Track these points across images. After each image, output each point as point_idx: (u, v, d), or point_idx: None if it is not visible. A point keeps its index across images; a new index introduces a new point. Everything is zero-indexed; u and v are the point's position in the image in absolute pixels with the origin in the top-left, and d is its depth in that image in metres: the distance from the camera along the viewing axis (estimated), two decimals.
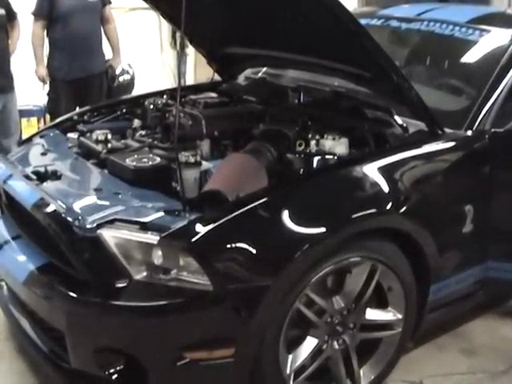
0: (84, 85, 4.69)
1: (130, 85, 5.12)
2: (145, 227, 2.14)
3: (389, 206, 2.37)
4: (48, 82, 4.68)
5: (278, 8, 2.60)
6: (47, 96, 4.79)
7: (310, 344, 2.34)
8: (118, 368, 2.19)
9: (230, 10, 2.93)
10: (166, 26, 6.74)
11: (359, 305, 2.40)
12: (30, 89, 4.98)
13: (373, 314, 2.46)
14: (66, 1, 4.55)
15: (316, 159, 2.50)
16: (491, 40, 3.00)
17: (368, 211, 2.32)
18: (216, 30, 3.26)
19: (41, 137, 3.08)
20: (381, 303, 2.48)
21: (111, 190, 2.38)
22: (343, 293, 2.37)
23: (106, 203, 2.27)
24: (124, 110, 3.31)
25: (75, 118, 3.25)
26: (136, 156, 2.54)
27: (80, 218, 2.20)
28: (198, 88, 3.62)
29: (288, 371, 2.29)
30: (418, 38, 3.32)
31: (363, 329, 2.45)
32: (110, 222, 2.17)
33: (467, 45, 3.02)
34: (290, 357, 2.30)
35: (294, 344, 2.32)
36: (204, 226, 2.10)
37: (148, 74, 6.51)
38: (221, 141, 2.78)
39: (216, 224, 2.11)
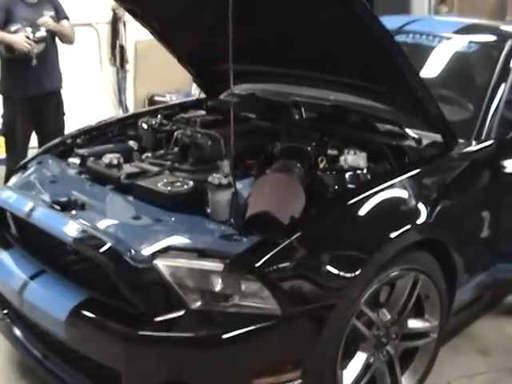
0: (40, 103, 4.50)
1: None
2: (203, 254, 2.09)
3: (421, 219, 2.42)
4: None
5: (275, 23, 2.62)
6: (1, 118, 4.57)
7: (360, 358, 2.36)
8: None
9: (221, 28, 2.89)
10: (105, 43, 6.61)
11: (403, 315, 2.44)
12: None
13: (413, 323, 2.51)
14: (19, 20, 4.36)
15: (348, 175, 2.52)
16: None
17: (404, 228, 2.35)
18: (202, 48, 3.22)
19: (38, 163, 2.94)
20: (417, 312, 2.54)
21: (150, 217, 2.31)
22: (389, 305, 2.41)
23: (154, 231, 2.21)
24: (115, 132, 3.22)
25: (68, 141, 3.12)
26: (166, 180, 2.47)
27: (132, 248, 2.13)
28: (183, 106, 3.57)
29: None
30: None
31: (404, 338, 2.50)
32: (164, 251, 2.11)
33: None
34: (345, 373, 2.31)
35: (346, 360, 2.33)
36: (267, 249, 2.08)
37: (88, 90, 6.37)
38: (239, 160, 2.75)
39: (279, 248, 2.09)
